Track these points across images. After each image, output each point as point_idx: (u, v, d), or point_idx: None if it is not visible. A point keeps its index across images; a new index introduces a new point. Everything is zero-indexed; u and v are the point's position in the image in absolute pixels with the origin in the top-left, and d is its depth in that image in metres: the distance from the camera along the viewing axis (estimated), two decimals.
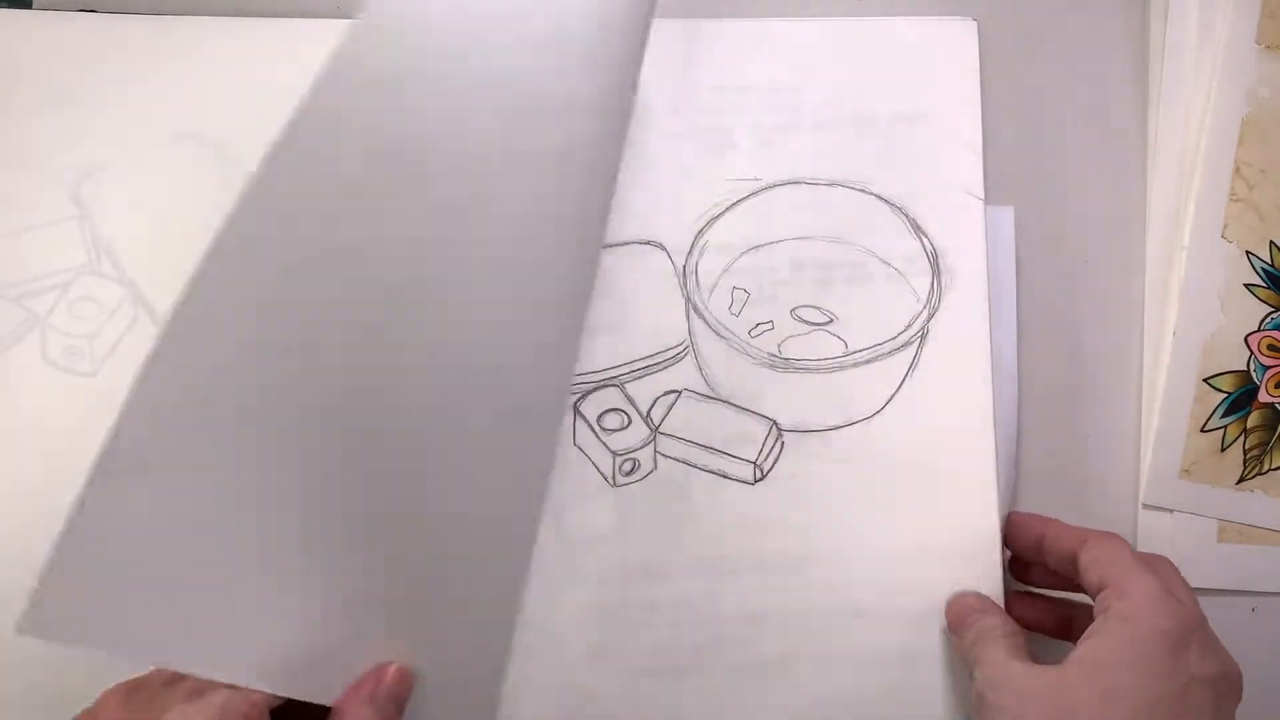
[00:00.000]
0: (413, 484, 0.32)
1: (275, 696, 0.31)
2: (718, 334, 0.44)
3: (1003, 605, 0.40)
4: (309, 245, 0.32)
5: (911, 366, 0.43)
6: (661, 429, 0.43)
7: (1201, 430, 0.44)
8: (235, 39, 0.45)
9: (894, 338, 0.44)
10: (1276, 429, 0.45)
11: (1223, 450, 0.44)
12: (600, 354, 0.43)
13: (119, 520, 0.30)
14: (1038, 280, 0.46)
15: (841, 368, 0.43)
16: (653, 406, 0.43)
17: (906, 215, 0.45)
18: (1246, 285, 0.45)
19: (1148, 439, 0.44)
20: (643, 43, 0.37)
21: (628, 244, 0.44)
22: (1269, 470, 0.44)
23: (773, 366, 0.44)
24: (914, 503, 0.42)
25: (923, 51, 0.47)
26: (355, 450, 0.32)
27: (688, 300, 0.44)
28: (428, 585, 0.33)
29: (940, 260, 0.44)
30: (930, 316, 0.44)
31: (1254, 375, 0.45)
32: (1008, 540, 0.42)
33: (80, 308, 0.42)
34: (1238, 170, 0.45)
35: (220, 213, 0.32)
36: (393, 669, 0.31)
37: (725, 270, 0.44)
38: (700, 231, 0.44)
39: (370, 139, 0.33)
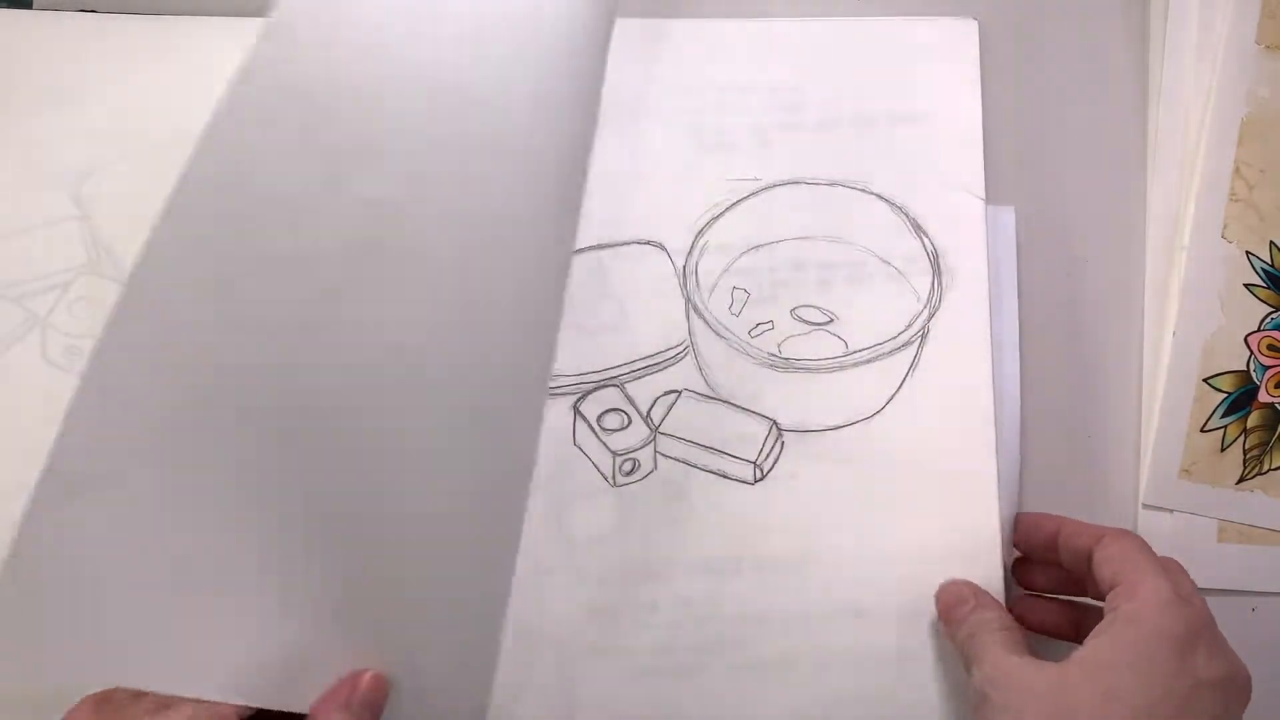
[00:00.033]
0: (375, 486, 0.32)
1: (246, 706, 0.30)
2: (718, 334, 0.44)
3: (1003, 606, 0.40)
4: (241, 249, 0.31)
5: (912, 366, 0.43)
6: (661, 429, 0.43)
7: (1201, 430, 0.44)
8: (235, 39, 0.45)
9: (894, 337, 0.44)
10: (1276, 429, 0.45)
11: (1223, 450, 0.44)
12: (600, 354, 0.43)
13: (63, 546, 0.29)
14: (1038, 280, 0.46)
15: (842, 368, 0.43)
16: (653, 406, 0.43)
17: (907, 215, 0.45)
18: (1246, 285, 0.45)
19: (1148, 439, 0.44)
20: (604, 39, 0.36)
21: (628, 244, 0.44)
22: (1269, 470, 0.44)
23: (773, 366, 0.44)
24: (914, 503, 0.42)
25: (923, 51, 0.47)
26: (310, 453, 0.31)
27: (688, 300, 0.44)
28: (402, 589, 0.32)
29: (941, 260, 0.44)
30: (931, 316, 0.44)
31: (1254, 375, 0.45)
32: (1017, 540, 0.42)
33: (80, 308, 0.42)
34: (1238, 170, 0.45)
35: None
36: (368, 675, 0.31)
37: (725, 270, 0.44)
38: (700, 231, 0.44)
39: (294, 137, 0.32)
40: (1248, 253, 0.45)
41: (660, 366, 0.43)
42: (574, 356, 0.43)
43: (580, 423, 0.42)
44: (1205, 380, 0.44)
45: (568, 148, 0.35)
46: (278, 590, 0.31)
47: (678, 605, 0.41)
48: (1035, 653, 0.35)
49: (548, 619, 0.40)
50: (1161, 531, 0.44)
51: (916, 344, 0.44)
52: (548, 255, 0.34)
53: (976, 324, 0.44)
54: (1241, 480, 0.44)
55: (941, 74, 0.46)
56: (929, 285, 0.44)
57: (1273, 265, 0.45)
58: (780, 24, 0.47)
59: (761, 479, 0.42)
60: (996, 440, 0.42)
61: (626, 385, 0.43)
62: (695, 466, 0.42)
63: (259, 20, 0.33)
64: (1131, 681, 0.32)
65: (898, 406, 0.43)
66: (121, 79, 0.45)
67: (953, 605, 0.39)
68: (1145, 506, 0.44)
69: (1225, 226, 0.45)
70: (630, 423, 0.42)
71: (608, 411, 0.43)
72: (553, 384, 0.43)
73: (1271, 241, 0.45)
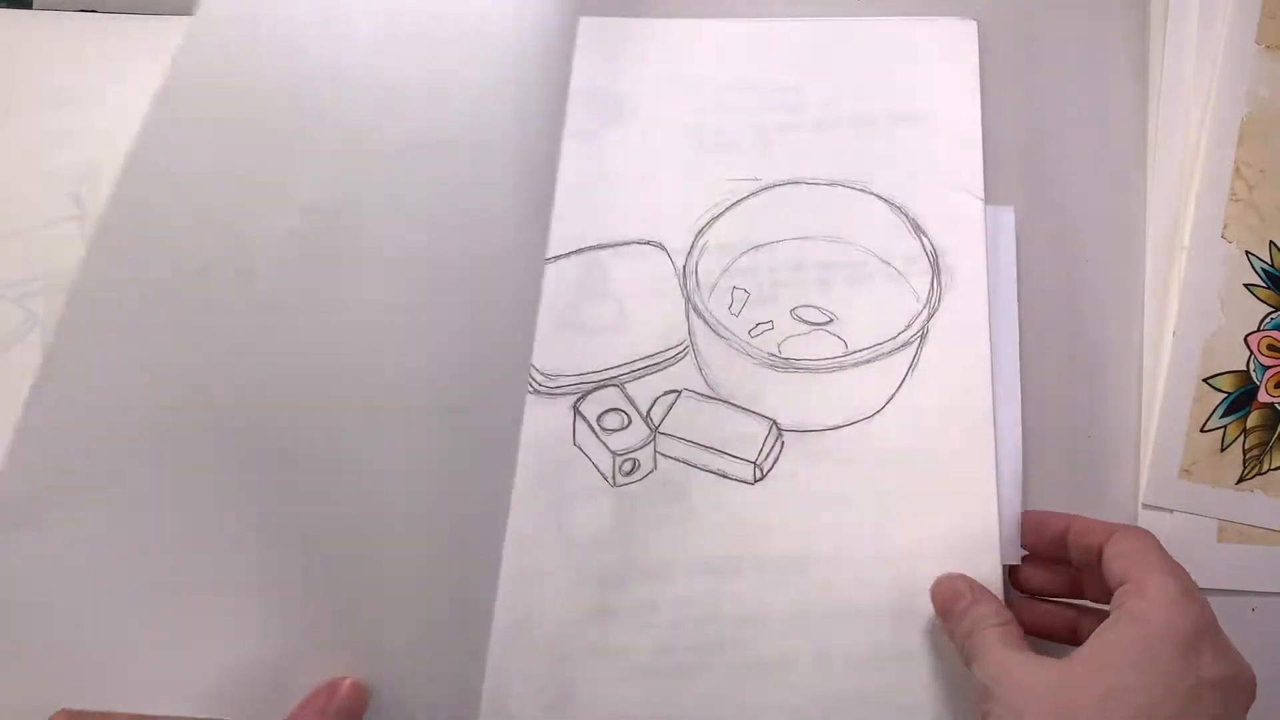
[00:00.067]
0: (343, 492, 0.31)
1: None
2: (718, 334, 0.44)
3: (1000, 600, 0.40)
4: (178, 266, 0.31)
5: (911, 366, 0.43)
6: (661, 429, 0.43)
7: (1201, 430, 0.44)
8: None
9: (894, 338, 0.44)
10: (1276, 429, 0.45)
11: (1222, 450, 0.44)
12: (600, 354, 0.43)
13: (22, 567, 0.29)
14: (1038, 280, 0.46)
15: (841, 368, 0.43)
16: (653, 406, 0.43)
17: (906, 215, 0.45)
18: (1246, 285, 0.45)
19: (1148, 439, 0.44)
20: (567, 36, 0.36)
21: (628, 244, 0.44)
22: (1269, 470, 0.44)
23: (773, 366, 0.44)
24: (914, 503, 0.42)
25: (923, 51, 0.47)
26: (272, 464, 0.30)
27: (688, 300, 0.44)
28: (380, 595, 0.31)
29: (940, 260, 0.44)
30: (930, 316, 0.44)
31: (1254, 375, 0.45)
32: (1025, 536, 0.41)
33: None
34: (1238, 170, 0.45)
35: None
36: (346, 683, 0.30)
37: (725, 270, 0.44)
38: (700, 231, 0.44)
39: (221, 148, 0.32)
40: (1248, 253, 0.45)
41: (660, 366, 0.43)
42: (574, 356, 0.43)
43: (580, 423, 0.42)
44: (1205, 380, 0.44)
45: (529, 143, 0.34)
46: (250, 602, 0.30)
47: (678, 605, 0.41)
48: (1034, 646, 0.35)
49: (548, 619, 0.40)
50: (1161, 531, 0.43)
51: (916, 344, 0.44)
52: (513, 249, 0.33)
53: (976, 324, 0.44)
54: (1241, 480, 0.44)
55: (941, 74, 0.46)
56: (928, 285, 0.44)
57: (1273, 265, 0.45)
58: (780, 24, 0.47)
59: (761, 479, 0.42)
60: (997, 440, 0.42)
61: (626, 385, 0.43)
62: (695, 466, 0.42)
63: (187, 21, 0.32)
64: (1133, 679, 0.32)
65: (897, 406, 0.43)
66: (121, 79, 0.45)
67: (949, 600, 0.39)
68: (1145, 506, 0.44)
69: (1225, 226, 0.45)
70: (630, 423, 0.42)
71: (608, 411, 0.43)
72: (553, 384, 0.43)
73: (1271, 241, 0.45)
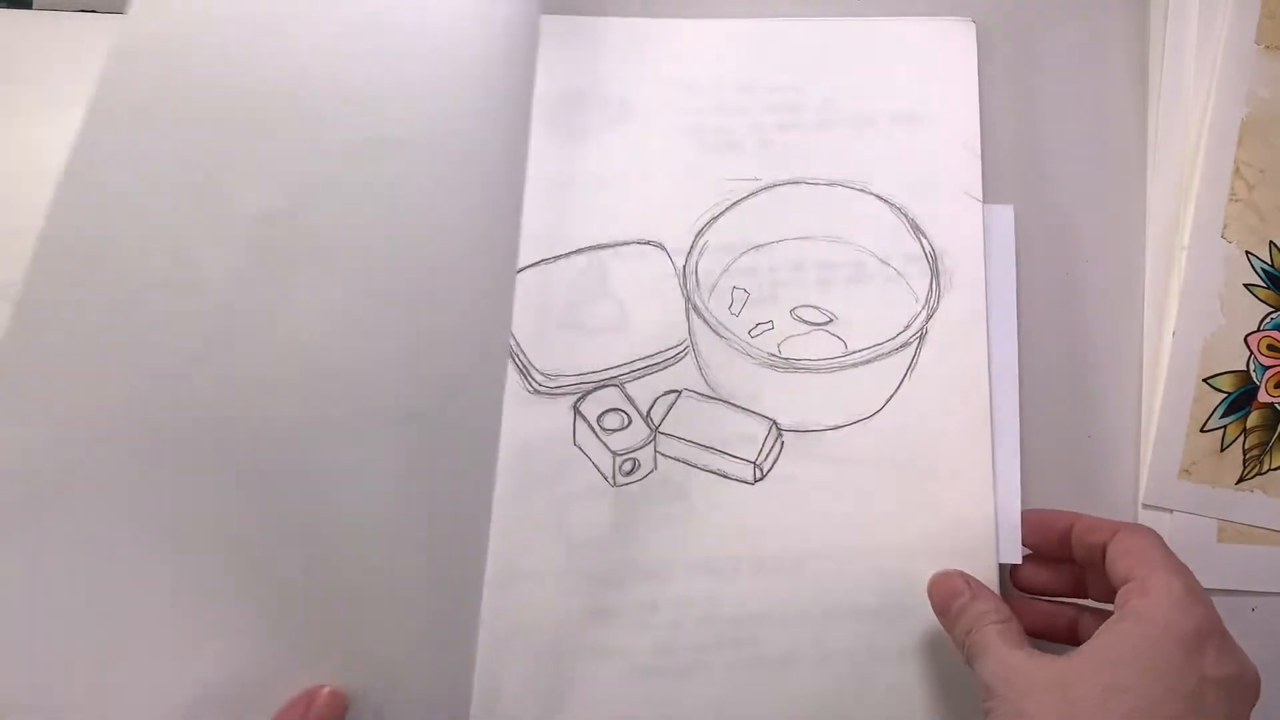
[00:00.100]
0: (308, 497, 0.30)
1: None
2: (718, 334, 0.44)
3: (998, 596, 0.40)
4: (121, 283, 0.30)
5: (910, 366, 0.43)
6: (661, 429, 0.43)
7: (1201, 430, 0.44)
8: None
9: (893, 338, 0.44)
10: (1276, 429, 0.45)
11: (1222, 450, 0.44)
12: (600, 354, 0.43)
13: None
14: (1038, 280, 0.46)
15: (841, 368, 0.43)
16: (653, 406, 0.43)
17: (906, 215, 0.45)
18: (1246, 285, 0.45)
19: (1148, 439, 0.44)
20: (528, 36, 0.35)
21: (628, 244, 0.44)
22: (1269, 470, 0.44)
23: (773, 366, 0.44)
24: (913, 502, 0.42)
25: (922, 52, 0.47)
26: (227, 474, 0.30)
27: (688, 300, 0.44)
28: (357, 603, 0.31)
29: (939, 261, 0.44)
30: (929, 317, 0.44)
31: (1254, 375, 0.45)
32: (1027, 535, 0.41)
33: None
34: (1237, 170, 0.45)
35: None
36: (324, 691, 0.30)
37: (725, 270, 0.44)
38: (700, 231, 0.44)
39: (159, 158, 0.31)
40: (1248, 253, 0.45)
41: (660, 366, 0.43)
42: (574, 356, 0.43)
43: (580, 423, 0.42)
44: (1205, 380, 0.44)
45: (490, 141, 0.33)
46: (220, 615, 0.30)
47: (677, 605, 0.41)
48: (1035, 643, 0.35)
49: (547, 619, 0.40)
50: (1161, 531, 0.43)
51: (915, 344, 0.44)
52: (476, 249, 0.32)
53: (974, 325, 0.44)
54: (1241, 480, 0.44)
55: (940, 74, 0.46)
56: (927, 286, 0.44)
57: (1273, 265, 0.45)
58: (780, 24, 0.47)
59: (761, 479, 0.42)
60: (996, 440, 0.43)
61: (626, 385, 0.43)
62: (695, 466, 0.42)
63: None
64: (1136, 678, 0.32)
65: (896, 406, 0.43)
66: None
67: (947, 598, 0.38)
68: (1145, 506, 0.44)
69: (1225, 226, 0.45)
70: (630, 423, 0.43)
71: (608, 411, 0.43)
72: (553, 384, 0.43)
73: (1271, 241, 0.45)
